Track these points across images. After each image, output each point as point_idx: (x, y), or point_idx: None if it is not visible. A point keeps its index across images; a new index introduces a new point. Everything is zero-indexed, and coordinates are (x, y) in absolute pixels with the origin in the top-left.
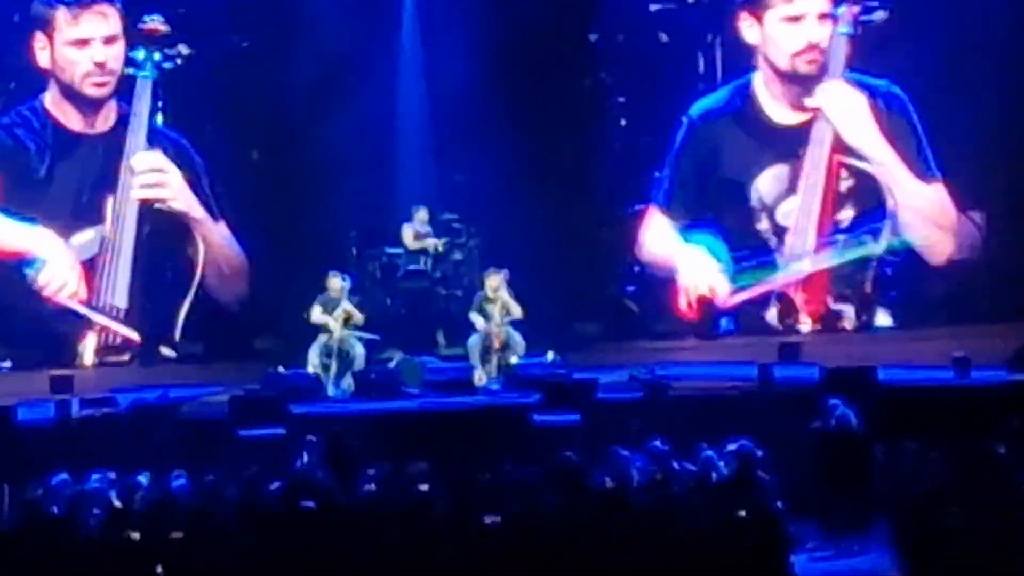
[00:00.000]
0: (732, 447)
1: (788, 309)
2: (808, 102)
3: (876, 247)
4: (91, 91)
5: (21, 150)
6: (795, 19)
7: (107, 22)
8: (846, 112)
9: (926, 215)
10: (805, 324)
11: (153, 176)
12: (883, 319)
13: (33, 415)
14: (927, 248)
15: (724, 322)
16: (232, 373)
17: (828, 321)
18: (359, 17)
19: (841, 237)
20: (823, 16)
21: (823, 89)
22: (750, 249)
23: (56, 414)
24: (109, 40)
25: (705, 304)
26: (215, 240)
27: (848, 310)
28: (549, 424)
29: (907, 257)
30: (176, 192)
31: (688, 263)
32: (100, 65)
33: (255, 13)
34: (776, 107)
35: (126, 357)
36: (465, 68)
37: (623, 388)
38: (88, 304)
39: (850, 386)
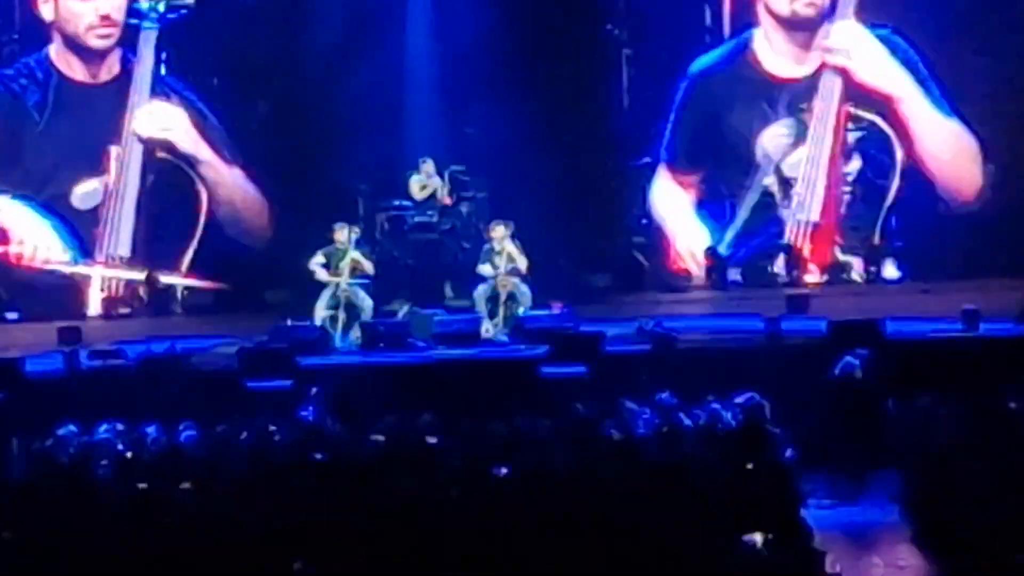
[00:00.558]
0: (740, 400)
1: (795, 260)
2: (825, 42)
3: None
4: (95, 42)
5: (22, 101)
6: None
7: None
8: (863, 50)
9: (951, 147)
10: (812, 275)
11: (159, 118)
12: (891, 271)
13: (41, 366)
14: (953, 184)
15: (731, 274)
16: (242, 325)
17: (836, 273)
18: None
19: (848, 188)
20: None
21: (837, 29)
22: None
23: (64, 365)
24: None
25: (708, 263)
26: (227, 182)
27: (856, 262)
28: (556, 376)
29: (915, 208)
30: (182, 134)
31: (682, 234)
32: (104, 17)
33: None
34: (778, 61)
35: (131, 308)
36: (474, 21)
37: (631, 340)
38: (91, 254)
39: (857, 339)
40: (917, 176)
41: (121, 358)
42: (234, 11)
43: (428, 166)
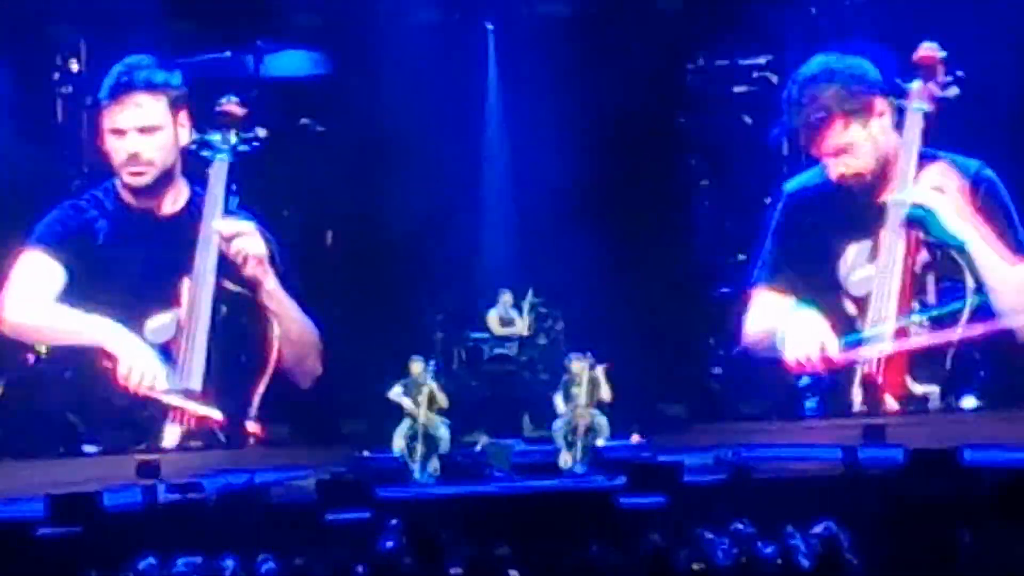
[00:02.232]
0: (817, 529)
1: (872, 390)
2: (894, 196)
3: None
4: (129, 180)
5: (91, 234)
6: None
7: (142, 111)
8: (931, 192)
9: (1016, 295)
10: (889, 405)
11: (241, 239)
12: (968, 399)
13: (120, 500)
14: (1017, 327)
15: (809, 403)
16: (320, 456)
17: (913, 402)
18: (440, 96)
19: (918, 318)
20: (848, 116)
21: (925, 175)
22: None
23: (143, 499)
24: (145, 130)
25: (821, 360)
26: (288, 315)
27: (933, 390)
28: (635, 506)
29: (993, 337)
30: (259, 254)
31: (796, 324)
32: (132, 156)
33: (328, 96)
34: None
35: (207, 441)
36: (550, 150)
37: (708, 470)
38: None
39: (935, 468)
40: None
41: (199, 491)
42: (305, 142)
43: (507, 298)
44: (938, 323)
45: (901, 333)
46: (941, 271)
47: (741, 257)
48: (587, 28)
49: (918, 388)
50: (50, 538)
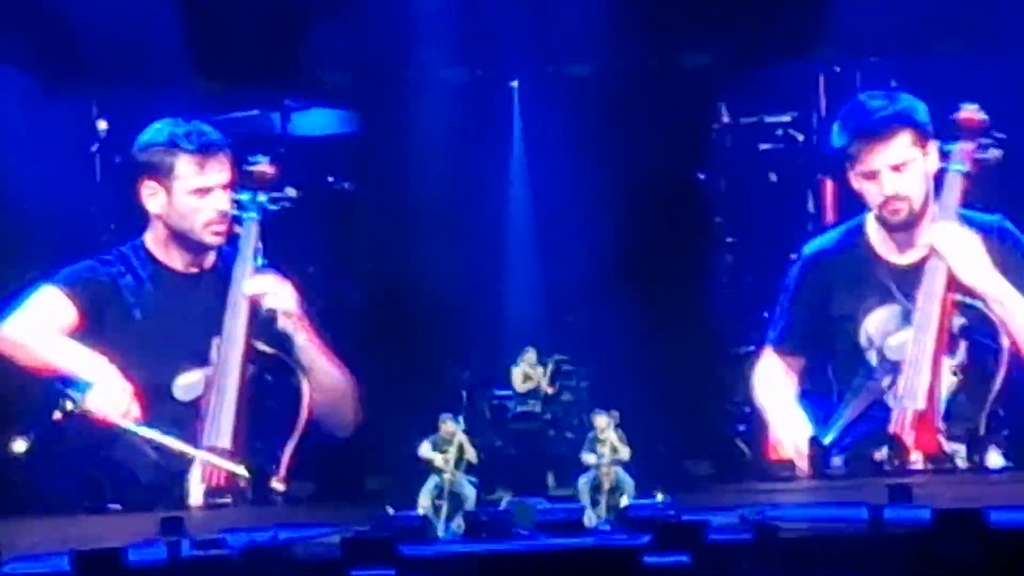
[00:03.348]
0: None
1: (898, 449)
2: (920, 242)
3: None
4: (211, 239)
5: (114, 286)
6: (871, 175)
7: (227, 169)
8: (960, 252)
9: None
10: (916, 463)
11: (270, 297)
12: (996, 459)
13: (144, 556)
14: None
15: (835, 462)
16: (344, 513)
17: (939, 461)
18: (464, 156)
19: (954, 376)
20: (897, 168)
21: (935, 230)
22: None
23: (167, 556)
24: (227, 187)
25: (811, 452)
26: (322, 367)
27: (960, 449)
28: (660, 565)
29: (1021, 395)
30: (289, 309)
31: (782, 422)
32: (223, 214)
33: (355, 154)
34: (888, 246)
35: (232, 498)
36: (574, 207)
37: (733, 529)
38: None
39: (962, 528)
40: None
41: (224, 548)
42: (332, 200)
43: (530, 355)
44: (971, 381)
45: (934, 392)
46: (976, 330)
47: (766, 315)
48: (612, 86)
49: (946, 446)
50: None
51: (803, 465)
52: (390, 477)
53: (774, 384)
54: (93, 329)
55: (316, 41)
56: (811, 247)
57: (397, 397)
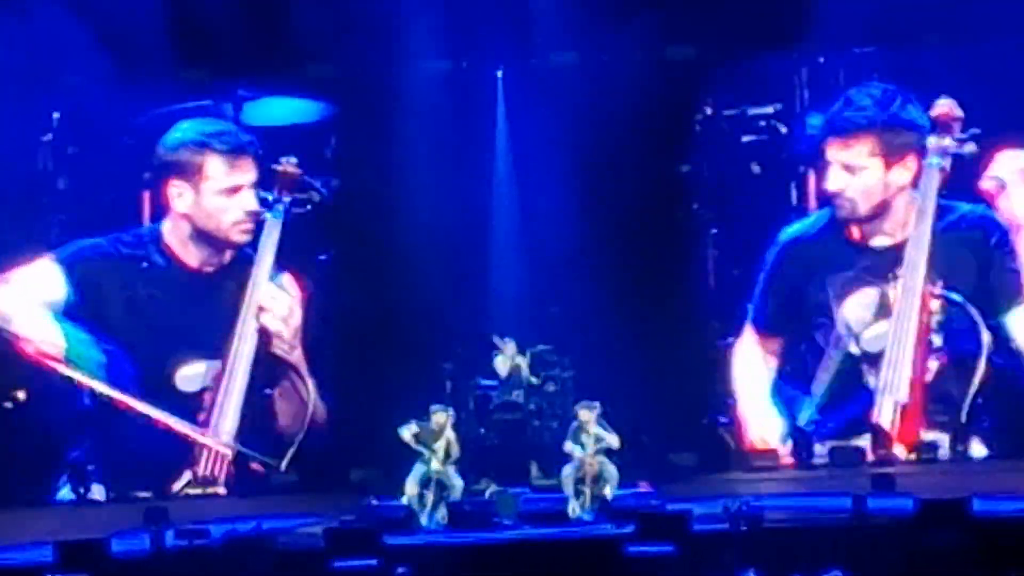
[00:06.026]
0: None
1: (882, 439)
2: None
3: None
4: (239, 237)
5: (127, 271)
6: (825, 166)
7: (253, 169)
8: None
9: None
10: (899, 453)
11: (270, 317)
12: (978, 449)
13: (127, 546)
14: None
15: (818, 451)
16: (328, 503)
17: (922, 451)
18: (448, 146)
19: (935, 367)
20: (849, 168)
21: (1003, 158)
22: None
23: (150, 545)
24: (253, 186)
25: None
26: (291, 384)
27: (943, 439)
28: (643, 555)
29: (1003, 386)
30: (284, 333)
31: (758, 413)
32: (252, 213)
33: (342, 155)
34: (860, 232)
35: (220, 488)
36: (557, 197)
37: (717, 519)
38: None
39: (945, 517)
40: (1004, 357)
41: (207, 537)
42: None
43: (509, 347)
44: (953, 370)
45: (916, 384)
46: (955, 320)
47: (749, 306)
48: (596, 77)
49: (928, 436)
50: None
51: (785, 452)
52: (374, 468)
53: (751, 368)
54: (90, 307)
55: (299, 32)
56: (788, 232)
57: (381, 388)
